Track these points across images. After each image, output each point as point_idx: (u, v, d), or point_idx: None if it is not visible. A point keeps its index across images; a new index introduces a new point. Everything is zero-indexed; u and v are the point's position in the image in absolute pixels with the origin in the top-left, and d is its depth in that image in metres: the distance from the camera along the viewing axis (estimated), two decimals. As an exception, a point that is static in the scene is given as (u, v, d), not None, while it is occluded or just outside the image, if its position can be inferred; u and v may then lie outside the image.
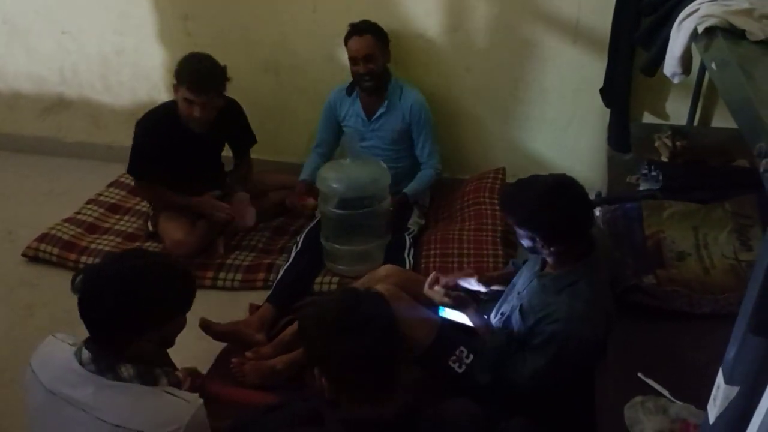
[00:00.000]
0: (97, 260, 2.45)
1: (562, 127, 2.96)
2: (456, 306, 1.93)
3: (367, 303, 1.32)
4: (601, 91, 2.69)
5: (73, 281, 1.36)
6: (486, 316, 2.00)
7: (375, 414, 1.28)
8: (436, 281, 1.98)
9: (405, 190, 2.80)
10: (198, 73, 2.50)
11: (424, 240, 2.73)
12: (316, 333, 1.32)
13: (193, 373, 1.73)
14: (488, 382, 1.78)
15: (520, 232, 1.73)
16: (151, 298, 1.34)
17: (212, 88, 2.53)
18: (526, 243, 1.75)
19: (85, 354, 1.35)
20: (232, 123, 2.81)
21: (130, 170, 2.77)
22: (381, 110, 2.79)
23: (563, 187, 1.69)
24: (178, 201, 2.74)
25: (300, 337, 1.56)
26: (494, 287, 2.10)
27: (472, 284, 2.04)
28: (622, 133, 2.62)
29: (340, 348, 1.27)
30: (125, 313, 1.31)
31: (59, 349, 1.42)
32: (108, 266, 1.36)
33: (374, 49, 2.66)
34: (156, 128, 2.65)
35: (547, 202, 1.65)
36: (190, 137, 2.64)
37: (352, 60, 2.69)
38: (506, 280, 2.10)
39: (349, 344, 1.27)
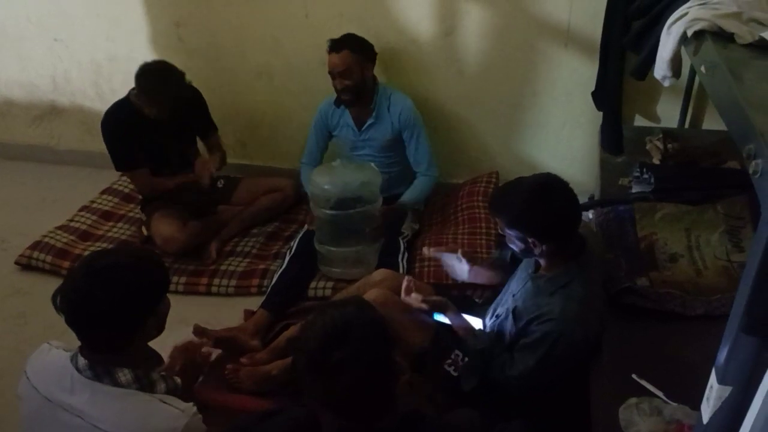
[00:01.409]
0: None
1: (554, 131, 2.98)
2: (433, 310, 1.93)
3: (354, 335, 1.21)
4: (593, 94, 2.71)
5: (54, 302, 1.34)
6: (481, 319, 2.00)
7: (374, 427, 1.27)
8: (410, 289, 1.98)
9: (401, 200, 2.79)
10: (167, 99, 2.59)
11: (418, 244, 2.74)
12: (302, 370, 1.25)
13: (184, 349, 1.69)
14: (474, 387, 1.78)
15: (510, 233, 1.73)
16: (137, 288, 1.34)
17: (180, 97, 2.63)
18: (516, 246, 1.75)
19: (81, 360, 1.35)
20: (196, 111, 2.84)
21: (117, 166, 2.78)
22: (370, 121, 2.79)
23: (549, 184, 1.70)
24: (172, 183, 2.79)
25: (291, 364, 1.51)
26: (478, 267, 2.09)
27: (456, 261, 2.07)
28: (615, 136, 2.63)
29: (324, 385, 1.22)
30: (118, 313, 1.31)
31: (55, 355, 1.41)
32: (84, 275, 1.34)
33: (350, 65, 2.63)
34: (117, 120, 2.70)
35: (535, 200, 1.67)
36: (152, 125, 2.67)
37: (330, 75, 2.69)
38: (493, 266, 2.10)
39: (336, 382, 1.21)
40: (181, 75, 2.62)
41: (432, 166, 2.85)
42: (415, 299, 1.94)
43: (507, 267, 2.05)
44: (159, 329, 1.45)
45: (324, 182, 2.56)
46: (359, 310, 1.32)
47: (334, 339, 1.22)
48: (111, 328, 1.33)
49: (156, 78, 2.58)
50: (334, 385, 1.21)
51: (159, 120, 2.65)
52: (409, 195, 2.82)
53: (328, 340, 1.22)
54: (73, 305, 1.32)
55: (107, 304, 1.30)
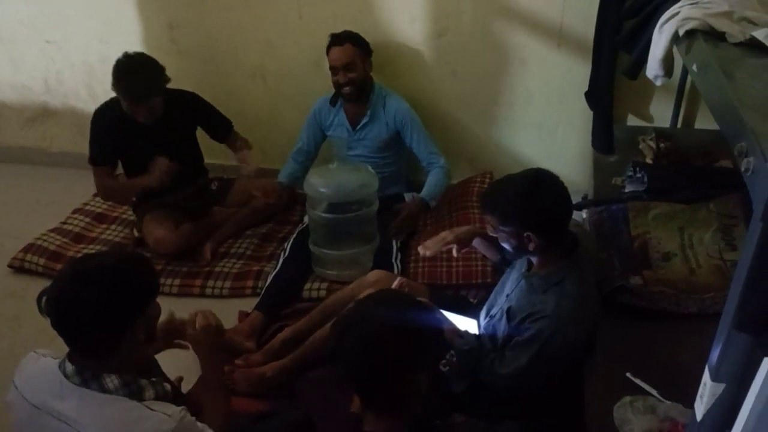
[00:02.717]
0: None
1: (548, 131, 2.98)
2: None
3: (352, 331, 1.28)
4: (586, 94, 2.72)
5: (39, 304, 1.33)
6: (475, 320, 2.00)
7: (394, 426, 1.27)
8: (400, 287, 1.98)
9: (422, 195, 2.78)
10: (134, 88, 2.48)
11: (412, 245, 2.73)
12: (334, 338, 1.32)
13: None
14: (463, 389, 1.78)
15: (504, 230, 1.72)
16: (123, 289, 1.33)
17: (152, 95, 2.52)
18: (509, 244, 1.75)
19: (69, 366, 1.33)
20: (199, 114, 2.80)
21: (90, 159, 2.71)
22: (365, 120, 2.79)
23: (539, 178, 1.70)
24: (133, 183, 2.72)
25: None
26: (476, 244, 2.07)
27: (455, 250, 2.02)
28: (605, 136, 2.64)
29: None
30: (103, 316, 1.30)
31: (43, 363, 1.40)
32: (70, 277, 1.33)
33: (354, 58, 2.66)
34: (103, 118, 2.65)
35: (528, 193, 1.67)
36: (139, 129, 2.61)
37: (333, 69, 2.69)
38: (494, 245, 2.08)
39: (344, 362, 1.27)
40: (157, 70, 2.49)
41: (439, 156, 2.82)
42: None
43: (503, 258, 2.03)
44: (149, 334, 1.43)
45: (320, 184, 2.55)
46: (400, 308, 1.34)
47: (336, 335, 1.25)
48: (97, 330, 1.31)
49: (125, 69, 2.48)
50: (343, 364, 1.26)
51: (149, 124, 2.60)
52: (428, 190, 2.79)
53: (349, 323, 1.28)
54: (59, 308, 1.30)
55: (92, 305, 1.28)
